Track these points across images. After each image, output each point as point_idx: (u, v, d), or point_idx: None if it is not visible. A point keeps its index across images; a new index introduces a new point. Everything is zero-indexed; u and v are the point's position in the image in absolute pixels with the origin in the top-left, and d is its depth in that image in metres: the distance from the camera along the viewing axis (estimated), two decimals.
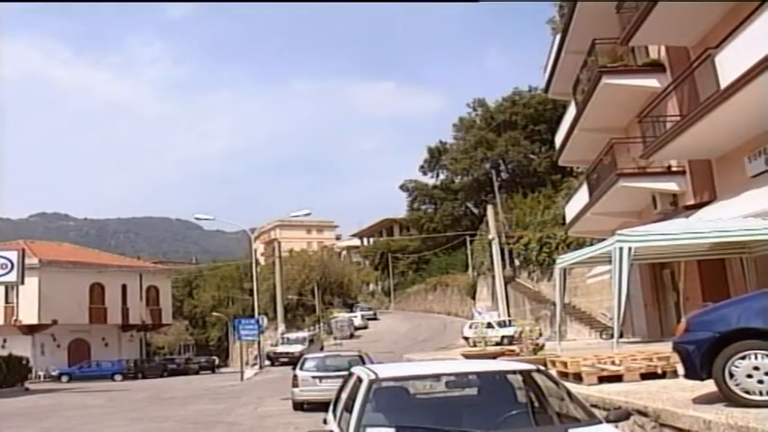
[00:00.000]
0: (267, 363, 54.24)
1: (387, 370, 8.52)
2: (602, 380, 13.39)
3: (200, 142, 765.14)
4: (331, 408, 9.69)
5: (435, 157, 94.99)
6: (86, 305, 66.62)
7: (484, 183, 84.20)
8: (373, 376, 7.76)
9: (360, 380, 7.99)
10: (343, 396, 8.80)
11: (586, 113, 29.10)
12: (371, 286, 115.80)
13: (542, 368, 8.64)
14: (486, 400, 8.01)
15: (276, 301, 62.98)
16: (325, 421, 9.64)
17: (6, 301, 61.23)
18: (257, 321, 49.82)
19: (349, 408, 7.92)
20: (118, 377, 57.78)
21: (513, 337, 38.98)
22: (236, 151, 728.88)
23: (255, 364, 54.88)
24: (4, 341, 55.87)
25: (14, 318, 61.96)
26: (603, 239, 19.78)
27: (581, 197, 32.13)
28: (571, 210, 34.56)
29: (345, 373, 18.99)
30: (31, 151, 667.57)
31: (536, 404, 7.81)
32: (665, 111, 23.20)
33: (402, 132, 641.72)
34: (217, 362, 75.07)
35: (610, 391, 11.77)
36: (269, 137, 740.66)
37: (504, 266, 56.17)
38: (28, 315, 61.78)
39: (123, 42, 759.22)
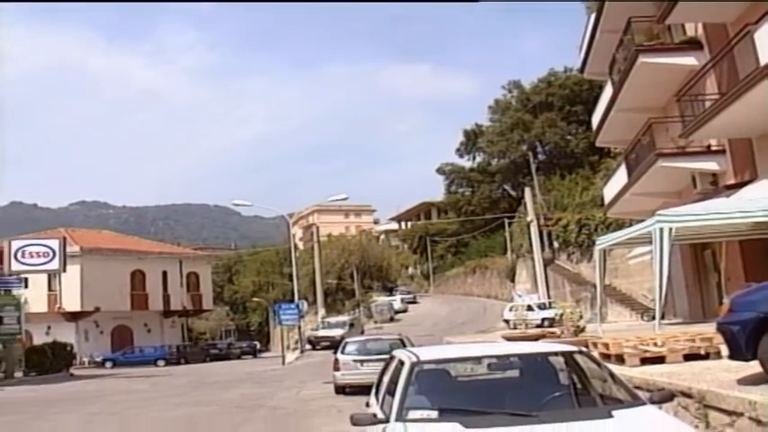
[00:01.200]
0: (308, 347, 54.42)
1: (428, 352, 8.54)
2: (644, 361, 13.30)
3: (236, 128, 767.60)
4: (373, 391, 9.72)
5: (471, 140, 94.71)
6: (128, 292, 67.36)
7: (521, 165, 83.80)
8: (415, 359, 7.78)
9: (401, 363, 8.02)
10: (385, 379, 8.83)
11: (623, 93, 28.88)
12: (410, 270, 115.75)
13: (584, 349, 8.62)
14: (529, 381, 8.00)
15: (316, 286, 63.26)
16: (367, 404, 9.67)
17: (49, 289, 61.94)
18: (297, 306, 50.06)
19: (391, 391, 7.95)
20: (161, 363, 58.33)
21: (553, 319, 38.89)
22: (272, 137, 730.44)
23: (296, 349, 55.08)
24: (49, 328, 56.50)
25: (58, 305, 62.75)
26: (643, 220, 19.68)
27: (619, 178, 31.92)
28: (610, 191, 34.35)
29: (386, 356, 19.03)
30: (69, 140, 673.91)
31: (578, 386, 7.80)
32: (704, 89, 22.99)
33: (437, 115, 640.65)
34: (258, 347, 75.30)
35: (653, 373, 11.71)
36: (304, 121, 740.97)
37: (543, 249, 55.95)
38: (71, 302, 62.55)
39: (157, 30, 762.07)
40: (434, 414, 6.98)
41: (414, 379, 7.46)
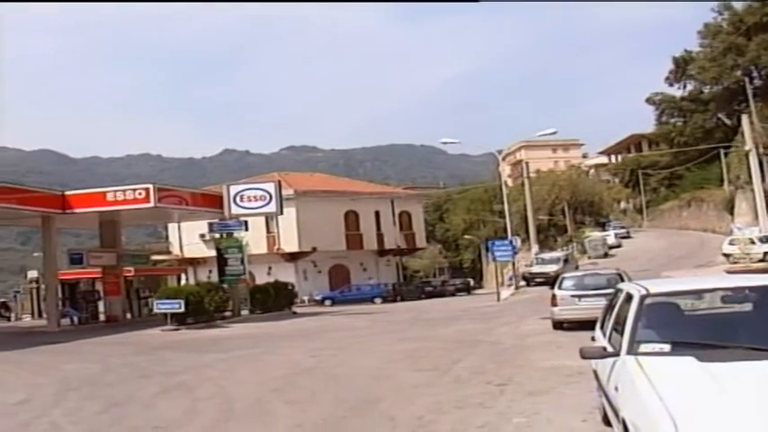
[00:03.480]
0: (522, 283, 54.38)
1: (657, 285, 8.46)
2: None
3: (438, 67, 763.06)
4: (598, 325, 9.77)
5: (681, 68, 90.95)
6: (342, 232, 68.92)
7: (736, 91, 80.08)
8: (644, 291, 7.74)
9: (630, 296, 8.00)
10: (611, 313, 8.83)
11: None
12: (622, 204, 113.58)
13: None
14: (763, 315, 7.77)
15: (527, 222, 62.97)
16: (593, 339, 9.73)
17: (268, 231, 64.18)
18: (511, 242, 49.88)
19: (618, 324, 7.97)
20: (377, 300, 59.61)
21: None
22: (475, 73, 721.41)
23: (511, 285, 55.07)
24: (270, 269, 58.60)
25: (276, 246, 65.11)
26: None
27: None
28: None
29: (604, 291, 19.05)
30: (278, 87, 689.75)
31: None
32: None
33: (643, 43, 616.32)
34: (471, 284, 75.86)
35: None
36: (507, 56, 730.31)
37: (763, 179, 53.59)
38: (289, 243, 64.77)
39: None
40: (667, 347, 6.95)
41: (643, 312, 7.45)
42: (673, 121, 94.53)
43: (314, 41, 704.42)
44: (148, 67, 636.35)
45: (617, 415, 6.88)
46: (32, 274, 61.22)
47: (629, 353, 6.97)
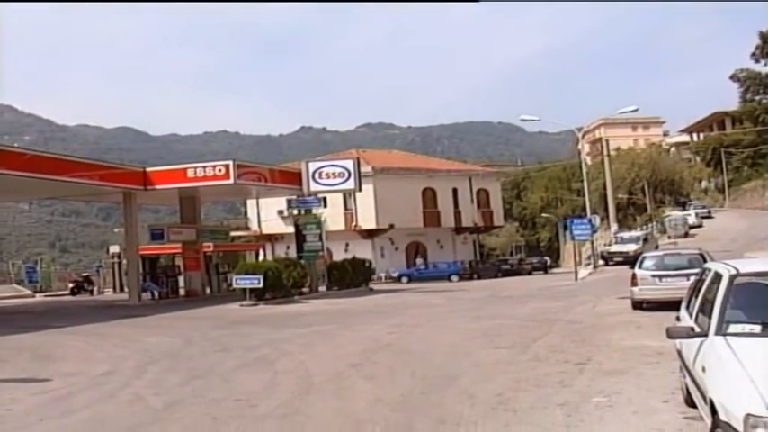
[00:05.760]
0: (600, 262, 53.84)
1: (747, 265, 8.29)
2: None
3: (515, 42, 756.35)
4: (683, 305, 9.65)
5: None
6: (420, 209, 68.67)
7: None
8: (734, 271, 7.62)
9: (718, 275, 7.88)
10: (698, 293, 8.71)
11: None
12: (704, 183, 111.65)
13: None
14: None
15: (607, 201, 62.31)
16: (678, 318, 9.60)
17: (345, 208, 64.24)
18: (590, 221, 49.32)
19: (705, 304, 7.85)
20: (454, 278, 59.41)
21: None
22: (552, 50, 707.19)
23: (589, 264, 54.56)
24: (347, 245, 58.67)
25: (354, 223, 65.20)
26: None
27: None
28: None
29: (686, 271, 18.78)
30: (353, 66, 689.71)
31: None
32: None
33: (728, 18, 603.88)
34: (548, 262, 75.38)
35: None
36: (587, 31, 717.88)
37: None
38: (366, 220, 64.75)
39: None
40: (757, 328, 6.84)
41: (732, 292, 7.31)
42: (758, 98, 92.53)
43: (392, 18, 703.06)
44: (226, 45, 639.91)
45: (704, 396, 6.77)
46: (114, 249, 62.22)
47: (717, 333, 6.88)
